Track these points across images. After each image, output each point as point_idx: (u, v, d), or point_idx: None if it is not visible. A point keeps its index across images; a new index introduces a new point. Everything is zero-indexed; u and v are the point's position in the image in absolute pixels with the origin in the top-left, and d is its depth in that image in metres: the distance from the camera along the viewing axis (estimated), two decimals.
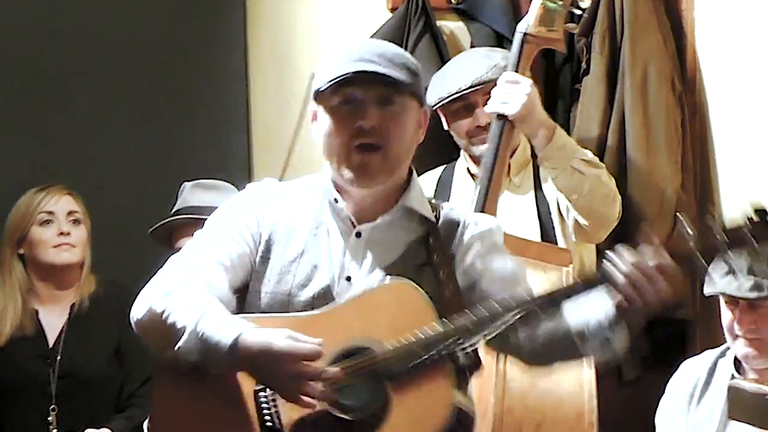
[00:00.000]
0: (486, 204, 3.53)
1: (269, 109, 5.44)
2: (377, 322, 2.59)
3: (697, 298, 3.68)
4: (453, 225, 2.73)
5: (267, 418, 2.57)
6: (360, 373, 2.55)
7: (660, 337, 4.05)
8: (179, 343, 2.53)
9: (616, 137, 4.01)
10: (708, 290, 3.40)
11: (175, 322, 2.55)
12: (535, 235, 3.75)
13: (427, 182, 3.89)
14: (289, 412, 2.55)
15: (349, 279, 2.69)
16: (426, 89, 3.71)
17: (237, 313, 2.65)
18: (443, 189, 3.91)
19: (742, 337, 3.36)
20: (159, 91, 5.46)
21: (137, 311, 2.65)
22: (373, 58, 2.64)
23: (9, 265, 4.27)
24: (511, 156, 3.78)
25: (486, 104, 3.70)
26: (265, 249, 2.74)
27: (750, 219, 2.41)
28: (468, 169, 3.90)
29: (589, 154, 3.66)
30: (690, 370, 3.46)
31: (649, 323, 3.98)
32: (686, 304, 3.94)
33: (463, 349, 2.55)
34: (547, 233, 3.77)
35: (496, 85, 3.65)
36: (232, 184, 4.07)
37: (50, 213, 4.25)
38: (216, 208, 2.88)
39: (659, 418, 3.47)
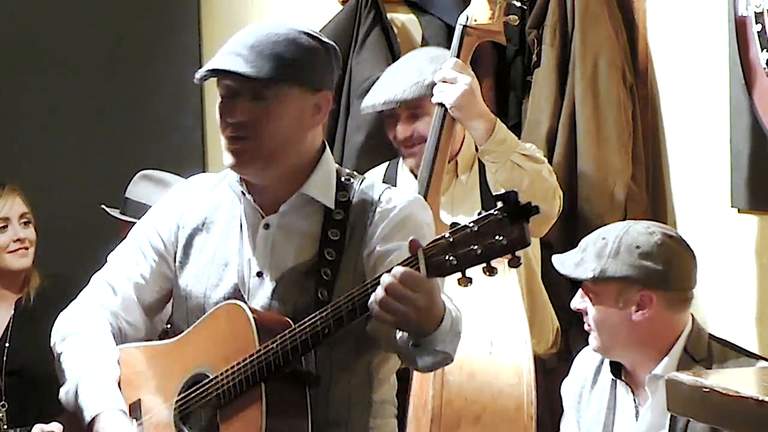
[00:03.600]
0: (428, 194, 3.49)
1: None
2: (213, 347, 2.58)
3: None
4: (366, 203, 2.63)
5: None
6: (195, 403, 2.57)
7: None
8: (62, 391, 2.70)
9: (567, 129, 3.98)
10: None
11: (64, 371, 2.72)
12: None
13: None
14: None
15: (260, 275, 2.63)
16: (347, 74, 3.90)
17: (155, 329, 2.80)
18: None
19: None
20: (111, 84, 5.44)
21: (52, 336, 2.80)
22: (241, 51, 2.56)
23: None
24: (457, 154, 3.75)
25: (409, 118, 3.69)
26: (183, 255, 2.73)
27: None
28: (411, 169, 3.81)
29: (531, 149, 3.59)
30: (578, 370, 3.31)
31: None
32: None
33: (285, 364, 2.47)
34: None
35: (416, 101, 3.65)
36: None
37: (5, 219, 4.26)
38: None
39: (563, 420, 3.38)
